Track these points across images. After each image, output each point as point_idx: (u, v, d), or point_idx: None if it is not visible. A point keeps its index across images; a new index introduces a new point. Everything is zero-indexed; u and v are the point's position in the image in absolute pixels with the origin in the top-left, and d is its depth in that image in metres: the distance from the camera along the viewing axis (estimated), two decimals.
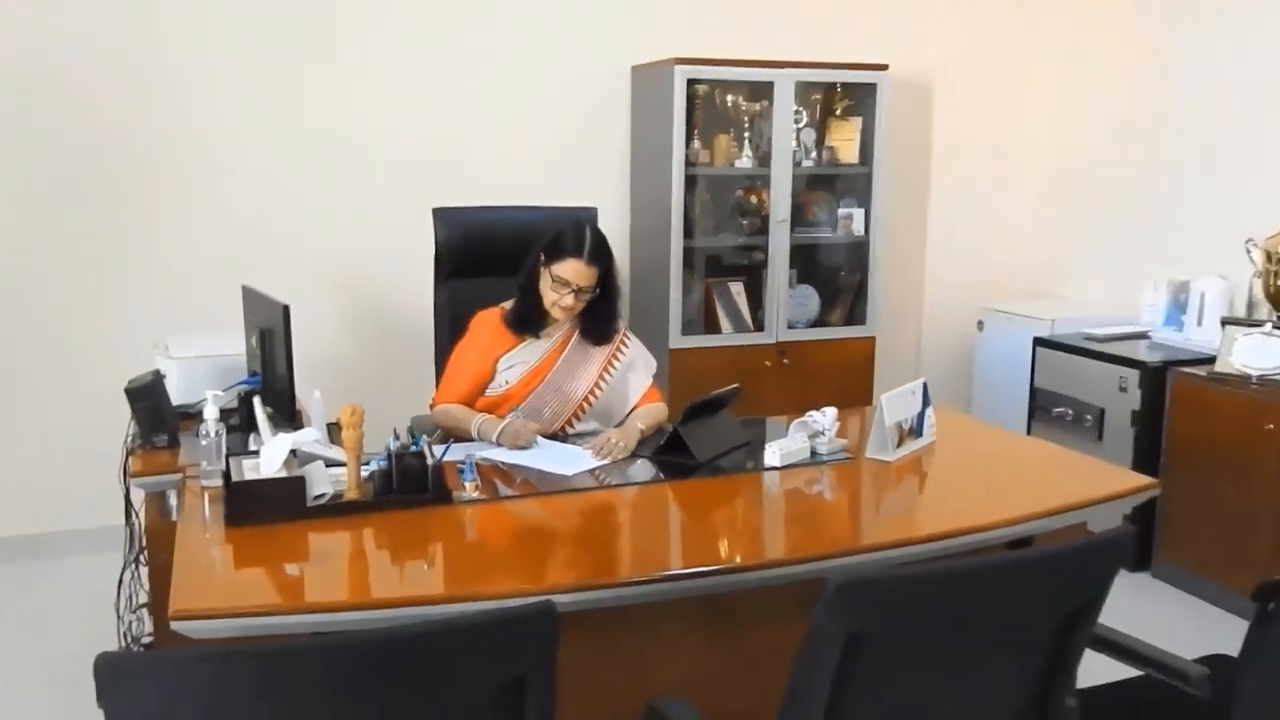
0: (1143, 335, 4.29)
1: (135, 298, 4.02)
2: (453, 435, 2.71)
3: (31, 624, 3.48)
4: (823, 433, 2.59)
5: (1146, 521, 3.85)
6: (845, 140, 4.62)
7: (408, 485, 2.22)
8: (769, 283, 4.47)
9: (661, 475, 2.52)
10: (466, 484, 2.30)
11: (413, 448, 2.24)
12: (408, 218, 3.82)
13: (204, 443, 2.29)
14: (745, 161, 4.46)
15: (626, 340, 2.92)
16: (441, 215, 3.28)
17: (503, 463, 2.54)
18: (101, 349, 3.93)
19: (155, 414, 2.66)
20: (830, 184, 4.73)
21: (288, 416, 2.69)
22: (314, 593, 1.90)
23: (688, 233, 4.35)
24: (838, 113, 4.65)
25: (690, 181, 4.35)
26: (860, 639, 1.35)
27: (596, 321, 2.84)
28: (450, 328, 3.12)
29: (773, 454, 2.51)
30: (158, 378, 2.71)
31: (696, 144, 4.38)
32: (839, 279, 4.75)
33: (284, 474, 2.17)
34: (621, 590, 1.91)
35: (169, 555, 2.01)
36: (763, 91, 4.40)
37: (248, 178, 4.11)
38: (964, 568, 1.52)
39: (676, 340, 4.34)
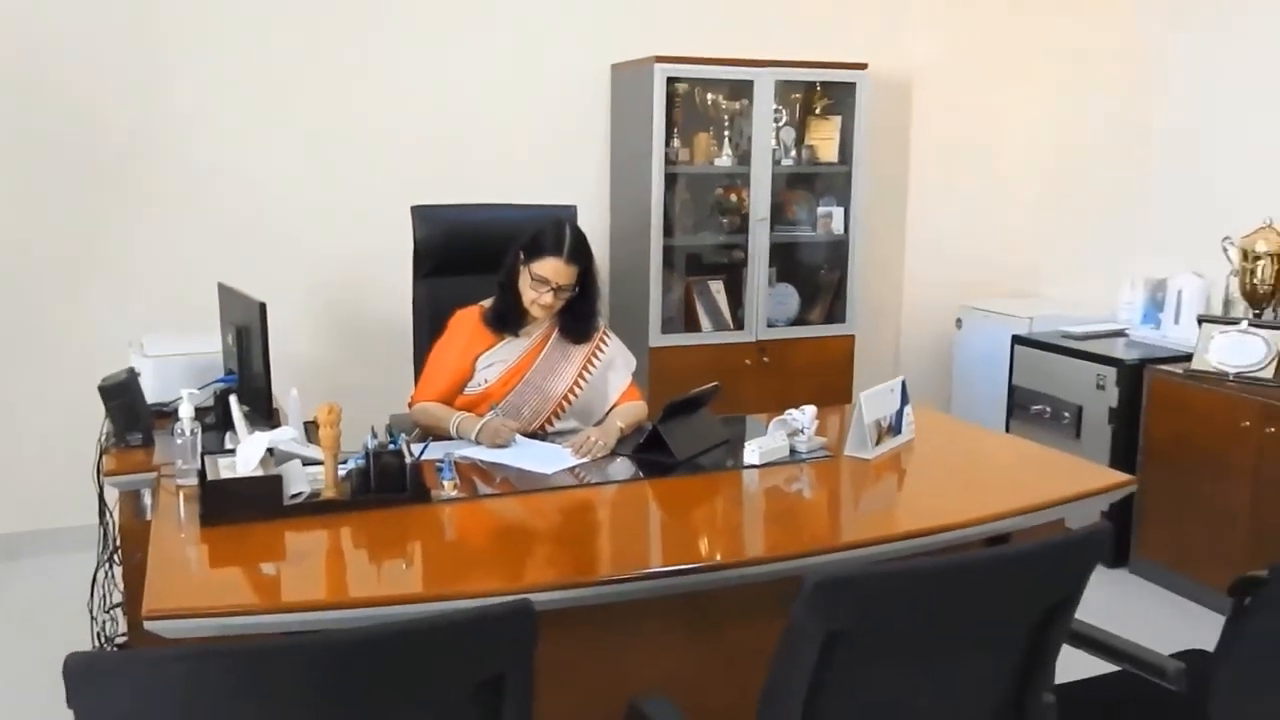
0: (1120, 333, 4.32)
1: (110, 295, 3.98)
2: (431, 434, 2.70)
3: (2, 625, 3.44)
4: (802, 431, 2.60)
5: (1124, 518, 3.88)
6: (825, 139, 4.63)
7: (386, 484, 2.20)
8: (749, 281, 4.48)
9: (641, 473, 2.52)
10: (445, 482, 2.29)
11: (391, 446, 2.23)
12: (386, 215, 3.79)
13: (179, 441, 2.27)
14: (725, 160, 4.46)
15: (606, 338, 2.91)
16: (420, 213, 3.26)
17: (482, 461, 2.53)
18: (75, 346, 3.89)
19: (130, 412, 2.64)
20: (810, 183, 4.74)
21: (265, 415, 2.67)
22: (290, 592, 1.89)
23: (668, 231, 4.35)
24: (817, 111, 4.66)
25: (670, 180, 4.34)
26: (838, 636, 1.35)
27: (576, 320, 2.83)
28: (429, 326, 3.11)
29: (752, 452, 2.51)
30: (132, 376, 2.69)
31: (676, 142, 4.38)
32: (818, 277, 4.76)
33: (260, 473, 2.15)
34: (601, 589, 1.91)
35: (143, 554, 1.99)
36: (742, 90, 4.41)
37: (223, 176, 4.08)
38: (941, 565, 1.52)
39: (656, 338, 4.33)
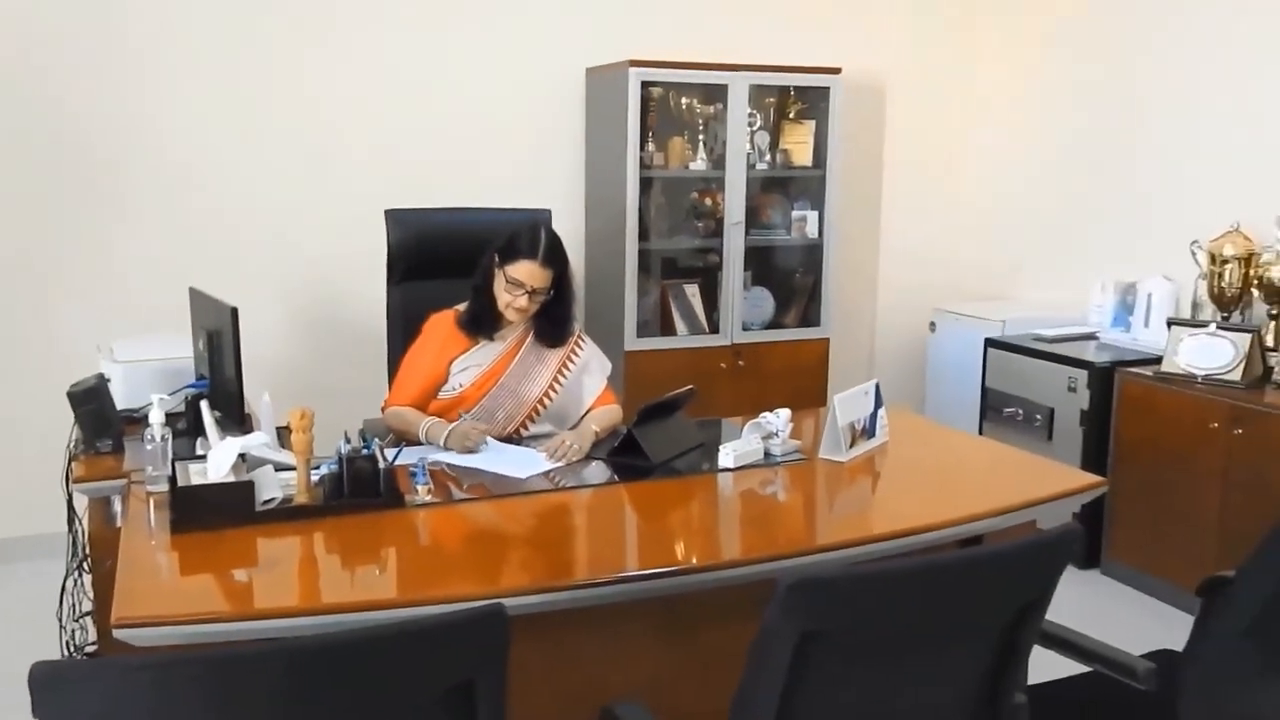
0: (1091, 336, 4.36)
1: (79, 300, 3.94)
2: (404, 438, 2.69)
3: None
4: (776, 434, 2.60)
5: (1096, 519, 3.91)
6: (799, 143, 4.65)
7: (359, 489, 2.19)
8: (724, 285, 4.49)
9: (616, 477, 2.52)
10: (419, 487, 2.28)
11: (364, 451, 2.21)
12: (360, 219, 3.78)
13: (149, 447, 2.24)
14: (699, 164, 4.47)
15: (581, 342, 2.91)
16: (394, 217, 3.25)
17: (456, 466, 2.52)
18: (44, 352, 3.85)
19: (99, 418, 2.61)
20: (784, 186, 4.76)
21: (237, 420, 2.65)
22: (262, 599, 1.88)
23: (643, 235, 4.35)
24: (791, 116, 4.68)
25: (645, 184, 4.35)
26: (811, 638, 1.35)
27: (551, 324, 2.83)
28: (403, 330, 3.09)
29: (727, 455, 2.51)
30: (101, 381, 2.66)
31: (651, 146, 4.38)
32: (793, 281, 4.77)
33: (232, 478, 2.13)
34: (576, 593, 1.90)
35: (113, 562, 1.97)
36: (717, 94, 4.42)
37: (195, 180, 4.05)
38: (913, 566, 1.53)
39: (632, 342, 4.34)
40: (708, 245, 4.55)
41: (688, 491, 2.46)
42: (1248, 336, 3.60)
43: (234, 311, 2.60)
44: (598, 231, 4.52)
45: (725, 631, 1.93)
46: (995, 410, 4.36)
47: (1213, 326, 3.70)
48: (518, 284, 2.71)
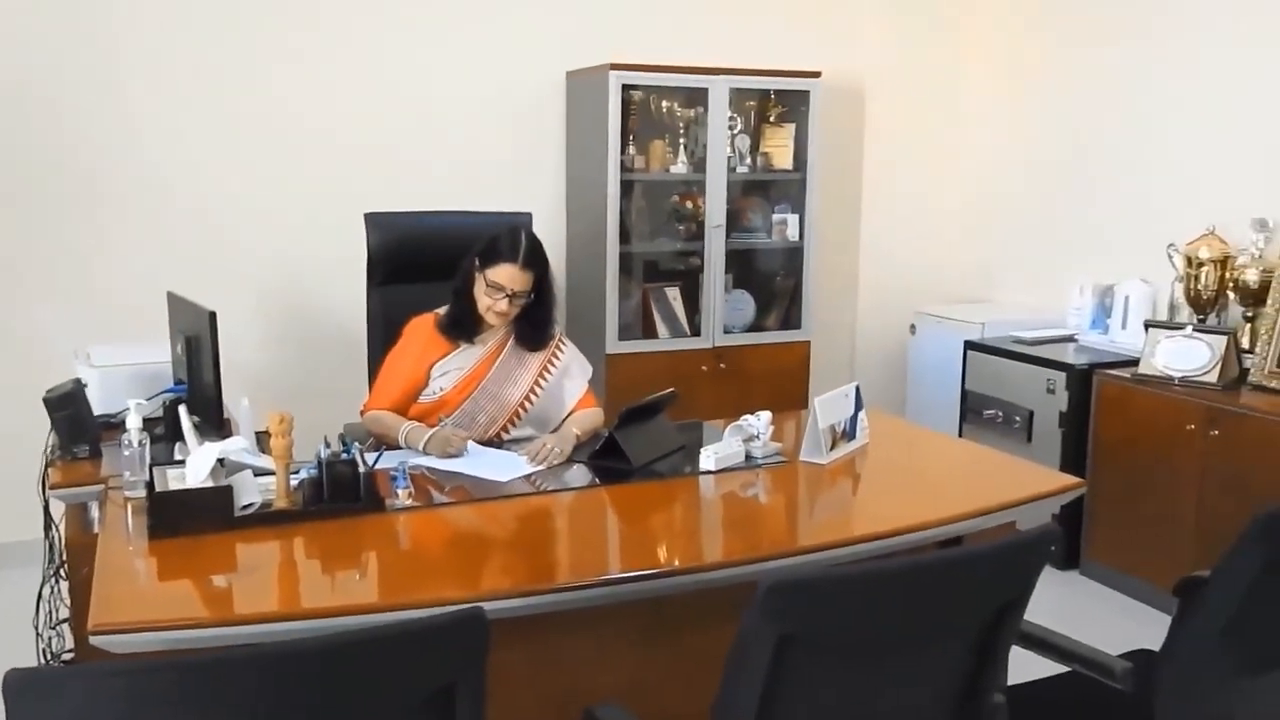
0: (1070, 338, 4.39)
1: (55, 304, 3.90)
2: (384, 442, 2.68)
3: None
4: (757, 436, 2.61)
5: (1075, 521, 3.93)
6: (779, 146, 4.67)
7: (339, 493, 2.18)
8: (705, 288, 4.49)
9: (597, 480, 2.52)
10: (400, 491, 2.27)
11: (344, 455, 2.20)
12: (340, 223, 3.77)
13: (126, 453, 2.23)
14: (680, 167, 4.48)
15: (562, 346, 2.91)
16: (374, 220, 3.24)
17: (436, 470, 2.52)
18: (19, 357, 3.81)
19: (75, 423, 2.59)
20: (765, 190, 4.77)
21: (215, 425, 2.63)
22: (241, 604, 1.86)
23: (624, 238, 4.35)
24: (771, 119, 4.69)
25: (626, 187, 4.35)
26: (791, 640, 1.36)
27: (532, 327, 2.83)
28: (383, 334, 3.08)
29: (708, 458, 2.52)
30: (78, 386, 2.64)
31: (632, 149, 4.39)
32: (774, 284, 4.79)
33: (210, 483, 2.12)
34: (557, 596, 1.90)
35: (90, 569, 1.95)
36: (697, 98, 4.43)
37: (173, 183, 4.02)
38: (892, 568, 1.54)
39: (613, 345, 4.34)
40: (689, 248, 4.56)
41: (669, 494, 2.47)
42: (1223, 338, 3.63)
43: (212, 316, 2.59)
44: (579, 235, 4.52)
45: (706, 634, 1.94)
46: (975, 412, 4.38)
47: (1189, 329, 3.73)
48: (498, 287, 2.70)
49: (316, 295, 4.21)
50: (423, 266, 3.11)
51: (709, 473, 2.50)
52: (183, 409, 2.50)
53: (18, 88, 3.80)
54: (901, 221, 5.15)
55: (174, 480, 2.18)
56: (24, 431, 3.00)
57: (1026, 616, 1.72)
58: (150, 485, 2.15)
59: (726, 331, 4.57)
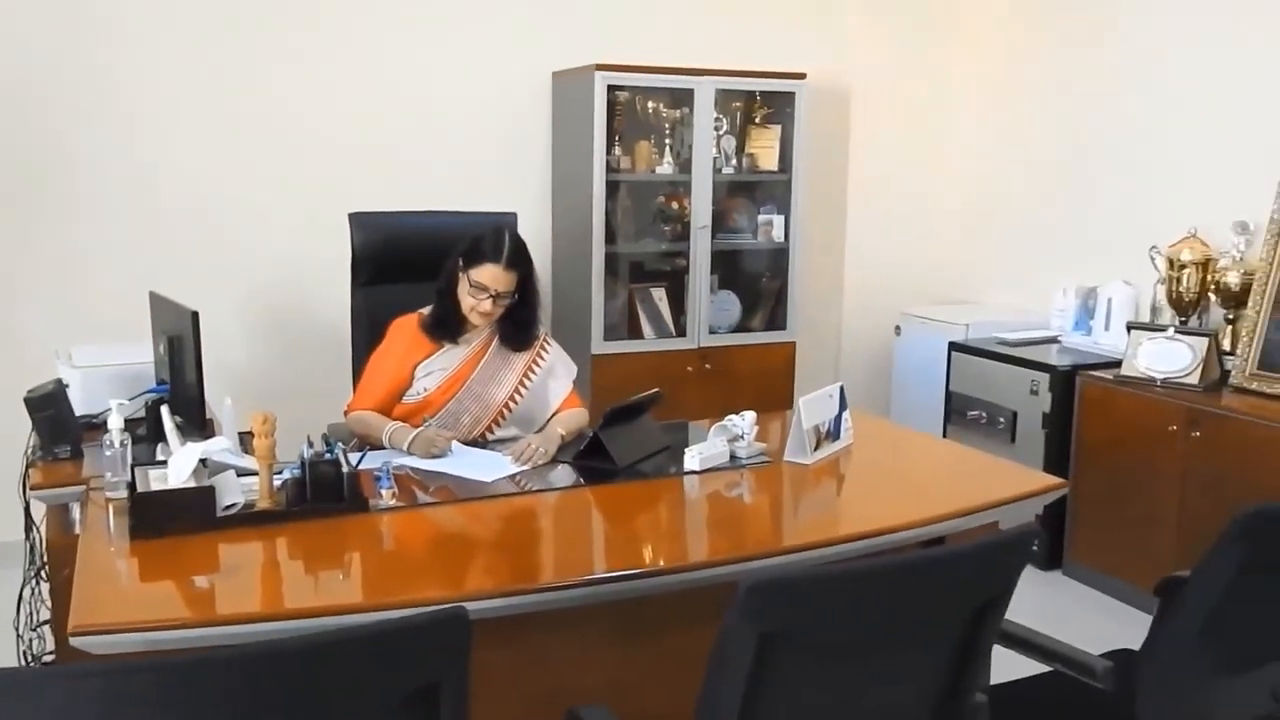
0: (1053, 340, 4.40)
1: (36, 304, 3.88)
2: (368, 442, 2.67)
3: None
4: (742, 436, 2.61)
5: (1058, 521, 3.95)
6: (765, 147, 4.67)
7: (322, 493, 2.17)
8: (690, 288, 4.50)
9: (582, 480, 2.52)
10: (383, 491, 2.27)
11: (327, 455, 2.20)
12: (325, 222, 3.76)
13: (108, 453, 2.21)
14: (666, 168, 4.48)
15: (547, 346, 2.91)
16: (358, 220, 3.23)
17: (421, 470, 2.51)
18: (0, 356, 3.78)
19: (57, 424, 2.57)
20: (750, 190, 4.78)
21: (198, 426, 2.62)
22: (223, 604, 1.86)
23: (610, 238, 4.35)
24: (757, 120, 4.70)
25: (612, 187, 4.35)
26: (772, 639, 1.36)
27: (516, 327, 2.82)
28: (368, 334, 3.07)
29: (692, 458, 2.52)
30: (59, 387, 2.63)
31: (618, 150, 4.39)
32: (760, 285, 4.79)
33: (193, 484, 2.11)
34: (541, 596, 1.90)
35: (71, 570, 1.94)
36: (683, 98, 4.43)
37: (156, 182, 4.00)
38: (872, 567, 1.54)
39: (599, 345, 4.34)
40: (674, 249, 4.56)
41: (653, 494, 2.47)
42: (1205, 340, 3.66)
43: (194, 316, 2.57)
44: (564, 235, 4.52)
45: (690, 634, 1.94)
46: (959, 413, 4.39)
47: (1171, 330, 3.75)
48: (481, 288, 2.70)
49: (301, 295, 4.19)
50: (407, 266, 3.10)
51: (693, 473, 2.51)
52: (165, 409, 2.49)
53: (4, 86, 3.77)
54: (887, 223, 5.16)
55: (156, 481, 2.17)
56: (4, 432, 2.98)
57: (1010, 616, 1.73)
58: (132, 486, 2.14)
59: (712, 332, 4.57)
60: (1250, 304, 3.65)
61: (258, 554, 2.04)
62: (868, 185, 5.13)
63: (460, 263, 2.74)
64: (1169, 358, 3.69)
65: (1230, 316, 3.83)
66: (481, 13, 4.36)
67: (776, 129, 4.65)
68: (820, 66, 4.73)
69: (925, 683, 1.57)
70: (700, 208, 4.44)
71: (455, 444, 2.65)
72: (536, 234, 4.40)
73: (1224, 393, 3.60)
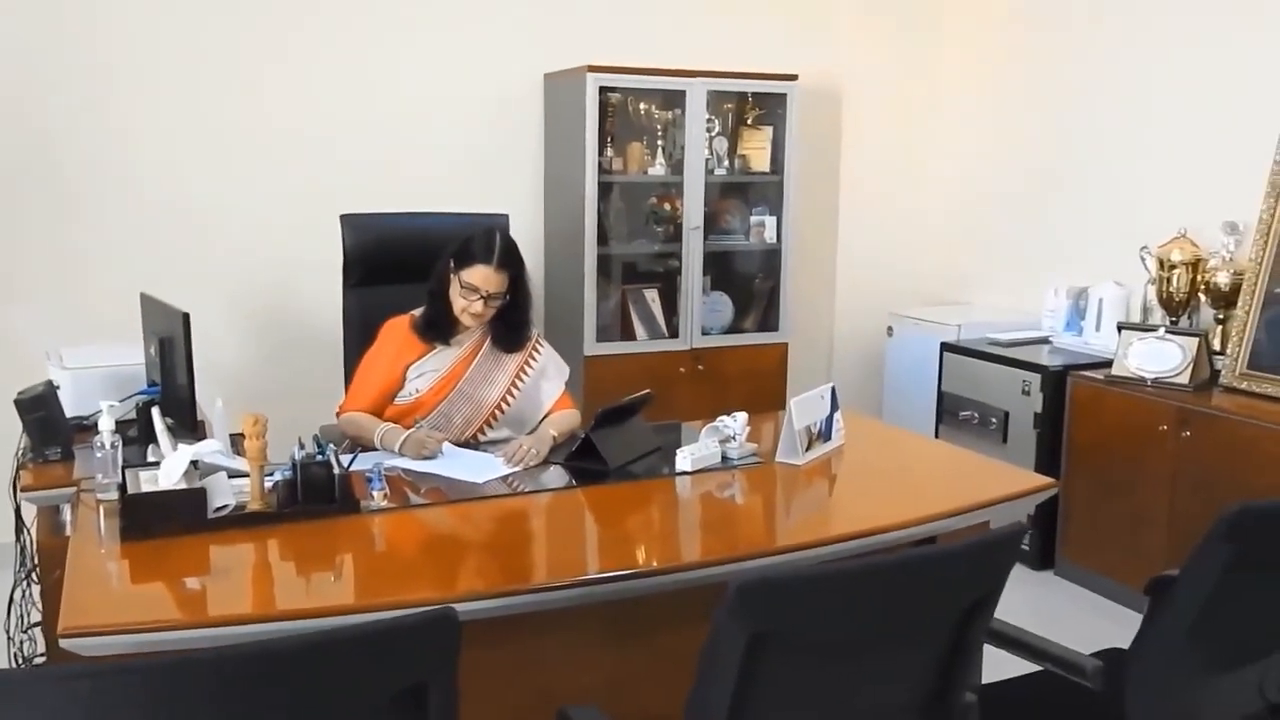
0: (1044, 340, 4.41)
1: (27, 305, 3.87)
2: (360, 444, 2.67)
3: None
4: (733, 437, 2.62)
5: (1050, 521, 3.96)
6: (757, 149, 4.68)
7: (313, 495, 2.17)
8: (683, 289, 4.50)
9: (574, 481, 2.52)
10: (375, 493, 2.27)
11: (318, 457, 2.20)
12: (317, 223, 3.75)
13: (99, 455, 2.21)
14: (658, 169, 4.49)
15: (539, 347, 2.91)
16: (350, 221, 3.23)
17: (412, 471, 2.51)
18: None
19: (47, 426, 2.57)
20: (742, 192, 4.78)
21: (189, 427, 2.61)
22: (214, 606, 1.85)
23: (602, 240, 4.36)
24: (749, 121, 4.71)
25: (604, 189, 4.36)
26: (762, 639, 1.36)
27: (508, 329, 2.82)
28: (360, 335, 3.07)
29: (684, 459, 2.52)
30: (50, 388, 2.62)
31: (610, 152, 4.39)
32: (752, 286, 4.80)
33: (183, 485, 2.11)
34: (532, 597, 1.90)
35: (62, 572, 1.94)
36: (675, 100, 4.44)
37: (149, 181, 4.00)
38: (861, 567, 1.54)
39: (591, 347, 4.34)
40: (667, 250, 4.57)
41: (645, 495, 2.47)
42: (1195, 340, 3.67)
43: (185, 317, 2.57)
44: (557, 236, 4.52)
45: (682, 634, 1.94)
46: (951, 414, 4.40)
47: (1161, 330, 3.76)
48: (472, 289, 2.70)
49: (293, 296, 4.19)
50: (399, 268, 3.10)
51: (685, 474, 2.51)
52: (156, 411, 2.49)
53: None
54: (879, 224, 5.17)
55: (147, 483, 2.16)
56: None
57: (1003, 617, 1.74)
58: (123, 487, 2.14)
59: (704, 333, 4.58)
60: (1240, 304, 3.67)
61: (249, 555, 2.04)
62: (859, 186, 5.14)
63: (451, 264, 2.74)
64: (1159, 358, 3.71)
65: (1220, 316, 3.85)
66: (473, 14, 4.36)
67: (768, 130, 4.65)
68: (812, 68, 4.74)
69: (915, 682, 1.58)
70: (692, 209, 4.45)
71: (447, 445, 2.65)
72: (529, 235, 4.40)
73: (1214, 392, 3.62)
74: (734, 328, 4.73)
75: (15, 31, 3.78)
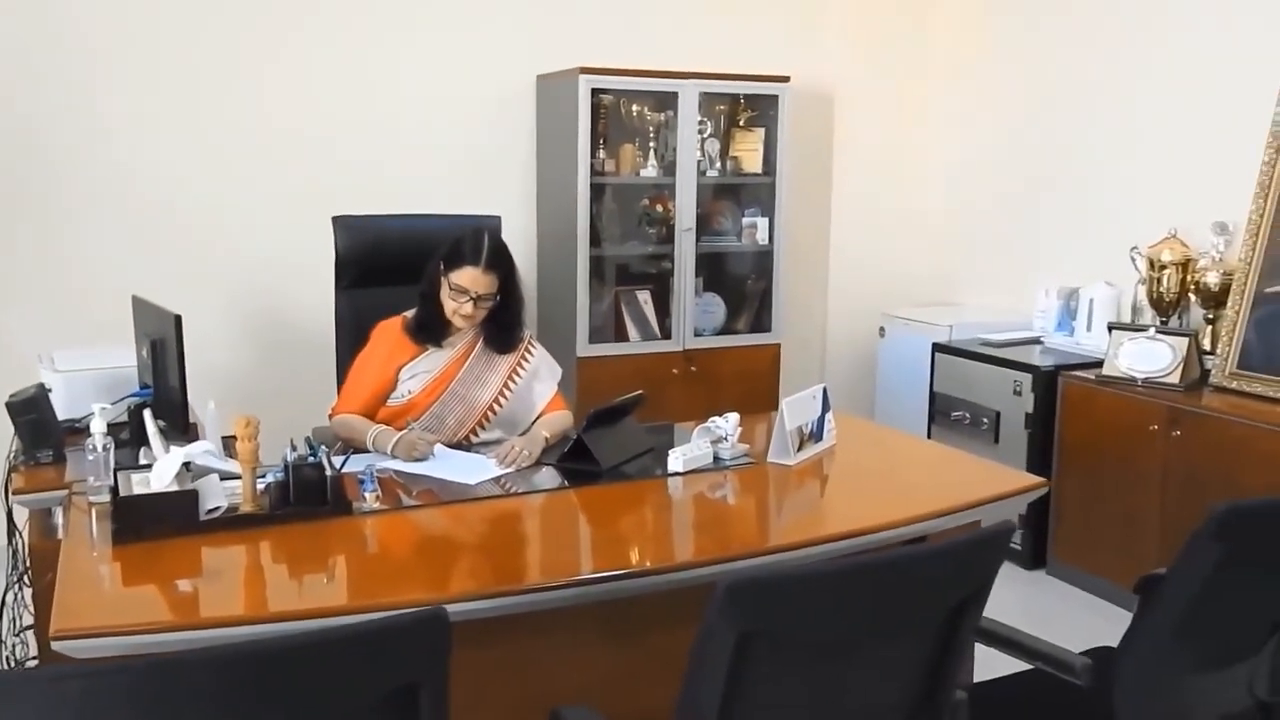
0: (1036, 340, 4.43)
1: (18, 308, 3.86)
2: (352, 446, 2.67)
3: None
4: (725, 438, 2.62)
5: (1041, 521, 3.97)
6: (749, 150, 4.69)
7: (305, 497, 2.17)
8: (675, 291, 4.51)
9: (566, 482, 2.52)
10: (367, 494, 2.27)
11: (310, 459, 2.20)
12: (309, 225, 3.75)
13: (91, 457, 2.21)
14: (650, 171, 4.49)
15: (531, 348, 2.91)
16: (342, 223, 3.23)
17: (405, 472, 2.51)
18: None
19: (39, 428, 2.56)
20: (735, 193, 4.79)
21: (181, 430, 2.61)
22: (207, 608, 1.86)
23: (594, 241, 4.36)
24: (741, 123, 4.72)
25: (596, 190, 4.36)
26: (752, 638, 1.37)
27: (499, 330, 2.83)
28: (352, 337, 3.07)
29: (676, 460, 2.53)
30: (41, 391, 2.62)
31: (602, 153, 4.40)
32: (744, 287, 4.81)
33: (175, 488, 2.11)
34: (525, 597, 1.90)
35: (54, 575, 1.94)
36: (667, 101, 4.44)
37: (138, 185, 3.99)
38: (850, 566, 1.55)
39: (584, 348, 4.34)
40: (659, 251, 4.57)
41: (637, 496, 2.47)
42: (1185, 340, 3.68)
43: (177, 319, 2.57)
44: (549, 238, 4.52)
45: (674, 634, 1.94)
46: (943, 414, 4.41)
47: (1152, 330, 3.78)
48: (462, 290, 2.70)
49: (285, 298, 4.18)
50: (391, 270, 3.10)
51: (677, 474, 2.51)
52: (148, 413, 2.48)
53: None
54: (871, 225, 5.18)
55: (139, 485, 2.17)
56: None
57: (995, 616, 1.75)
58: (115, 490, 2.14)
59: (697, 334, 4.58)
60: (1230, 304, 3.68)
61: (241, 557, 2.04)
62: (851, 187, 5.15)
63: (441, 266, 2.74)
64: (1150, 358, 3.72)
65: (1210, 316, 3.86)
66: (466, 16, 4.37)
67: (760, 132, 4.66)
68: (804, 70, 4.75)
69: (905, 680, 1.58)
70: (685, 210, 4.45)
71: (439, 447, 2.65)
72: (521, 237, 4.41)
73: (1204, 392, 3.63)
74: (726, 329, 4.73)
75: (8, 30, 3.77)
